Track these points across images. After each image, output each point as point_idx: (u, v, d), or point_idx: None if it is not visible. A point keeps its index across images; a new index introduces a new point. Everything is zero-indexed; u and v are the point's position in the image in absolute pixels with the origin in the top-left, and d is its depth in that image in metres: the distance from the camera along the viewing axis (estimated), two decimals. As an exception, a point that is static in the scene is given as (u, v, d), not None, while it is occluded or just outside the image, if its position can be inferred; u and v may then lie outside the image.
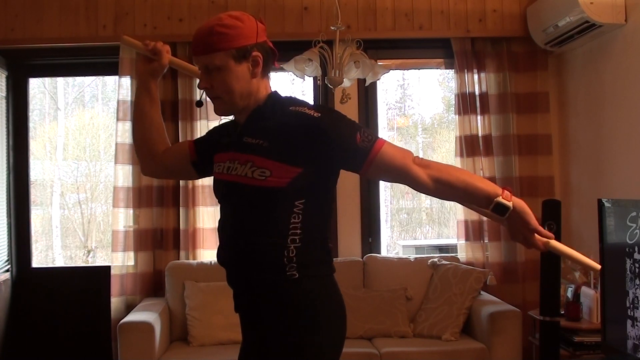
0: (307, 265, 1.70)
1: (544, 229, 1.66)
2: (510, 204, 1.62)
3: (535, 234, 1.65)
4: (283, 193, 1.67)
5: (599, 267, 1.76)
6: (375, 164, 1.65)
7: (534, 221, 1.63)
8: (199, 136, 2.12)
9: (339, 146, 1.65)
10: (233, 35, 1.68)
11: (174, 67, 2.06)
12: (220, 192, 1.81)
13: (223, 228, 1.80)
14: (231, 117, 1.88)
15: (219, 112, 1.78)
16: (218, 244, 1.85)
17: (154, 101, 2.00)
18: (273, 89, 1.83)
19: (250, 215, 1.71)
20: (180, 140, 4.05)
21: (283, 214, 1.68)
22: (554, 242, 1.67)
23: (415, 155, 1.69)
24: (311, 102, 1.78)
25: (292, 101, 1.76)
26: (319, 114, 1.66)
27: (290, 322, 1.68)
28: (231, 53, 1.68)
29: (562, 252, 1.69)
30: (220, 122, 2.01)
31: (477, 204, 1.70)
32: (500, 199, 1.62)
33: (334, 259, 4.40)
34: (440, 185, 1.65)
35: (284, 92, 1.85)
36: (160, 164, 2.02)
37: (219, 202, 1.85)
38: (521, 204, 1.64)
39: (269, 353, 1.70)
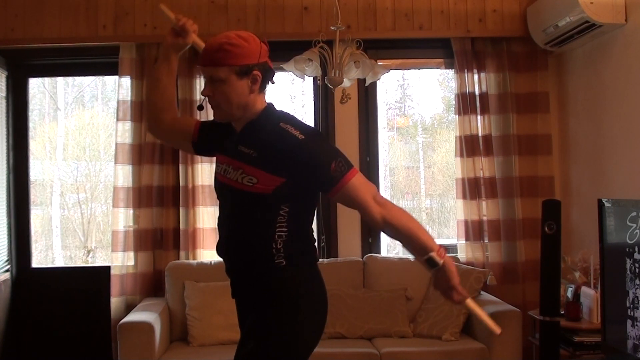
0: (292, 255, 1.95)
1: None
2: (440, 261, 1.88)
3: (455, 291, 1.90)
4: (269, 198, 1.91)
5: (499, 331, 1.98)
6: (341, 193, 1.89)
7: (455, 281, 1.89)
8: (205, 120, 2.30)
9: (314, 170, 1.88)
10: (238, 54, 1.90)
11: (195, 47, 2.16)
12: (219, 190, 2.08)
13: (222, 224, 2.06)
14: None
15: (218, 118, 2.02)
16: (218, 237, 2.10)
17: (172, 72, 2.17)
18: (268, 102, 2.04)
19: (243, 214, 1.97)
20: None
21: (270, 215, 1.93)
22: (469, 301, 1.94)
23: (377, 192, 1.93)
24: (302, 121, 1.99)
25: (283, 117, 1.97)
26: (303, 137, 1.88)
27: (278, 302, 1.93)
28: (234, 69, 1.90)
29: (473, 311, 1.97)
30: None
31: (414, 251, 1.95)
32: (434, 254, 1.88)
33: (335, 259, 4.43)
34: (388, 226, 1.90)
35: (279, 106, 2.04)
36: (163, 130, 2.22)
37: (218, 198, 2.10)
38: (449, 264, 1.89)
39: (260, 328, 1.94)
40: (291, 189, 1.91)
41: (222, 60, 1.88)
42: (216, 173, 2.08)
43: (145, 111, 2.29)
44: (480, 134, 4.32)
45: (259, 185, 1.89)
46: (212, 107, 2.00)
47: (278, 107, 2.05)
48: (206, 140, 2.15)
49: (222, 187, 2.03)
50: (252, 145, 1.93)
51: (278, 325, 1.91)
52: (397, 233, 1.90)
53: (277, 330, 1.91)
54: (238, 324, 2.10)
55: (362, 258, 4.29)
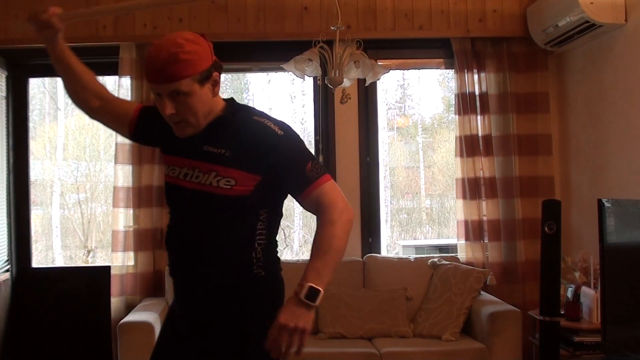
0: (269, 265, 1.84)
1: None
2: (316, 303, 1.65)
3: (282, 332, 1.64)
4: (249, 200, 1.77)
5: None
6: (314, 195, 1.74)
7: (292, 324, 1.64)
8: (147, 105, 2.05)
9: (290, 168, 1.76)
10: (195, 61, 1.70)
11: (76, 20, 2.03)
12: (178, 198, 1.85)
13: (183, 236, 1.84)
14: None
15: (183, 134, 1.79)
16: (170, 254, 1.91)
17: (65, 62, 2.07)
18: (227, 97, 1.90)
19: (219, 221, 1.79)
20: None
21: (251, 220, 1.80)
22: None
23: (344, 205, 1.75)
24: (274, 116, 1.85)
25: (253, 111, 1.85)
26: (282, 133, 1.77)
27: (252, 315, 1.79)
28: (196, 78, 1.71)
29: None
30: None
31: (310, 266, 1.70)
32: (313, 286, 1.64)
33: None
34: (327, 229, 1.71)
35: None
36: (95, 115, 2.05)
37: (172, 208, 1.88)
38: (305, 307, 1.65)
39: (234, 343, 1.79)
40: (266, 188, 1.77)
41: (182, 72, 1.67)
42: (171, 178, 1.85)
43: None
44: (480, 134, 4.32)
45: (238, 187, 1.74)
46: (175, 124, 1.77)
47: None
48: (145, 128, 1.96)
49: (185, 193, 1.80)
50: (223, 144, 1.77)
51: (254, 339, 1.72)
52: (322, 240, 1.71)
53: (254, 346, 1.72)
54: (168, 335, 1.93)
55: (362, 258, 4.29)
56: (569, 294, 3.69)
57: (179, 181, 1.82)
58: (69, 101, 6.39)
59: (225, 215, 1.78)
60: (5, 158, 4.30)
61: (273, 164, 1.75)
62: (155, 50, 1.71)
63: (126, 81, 4.20)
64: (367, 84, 3.87)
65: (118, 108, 2.03)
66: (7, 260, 4.29)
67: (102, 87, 2.05)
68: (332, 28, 3.59)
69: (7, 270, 4.26)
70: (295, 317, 1.64)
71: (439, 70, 5.03)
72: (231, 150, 1.76)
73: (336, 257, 1.71)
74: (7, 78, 4.34)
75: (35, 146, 5.52)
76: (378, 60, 4.06)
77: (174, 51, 1.68)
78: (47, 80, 5.90)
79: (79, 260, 6.03)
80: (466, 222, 4.30)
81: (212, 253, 1.80)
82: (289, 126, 1.82)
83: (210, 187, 1.76)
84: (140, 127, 1.97)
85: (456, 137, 4.35)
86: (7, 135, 4.33)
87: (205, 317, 1.83)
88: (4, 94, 4.32)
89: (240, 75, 6.49)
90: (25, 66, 4.40)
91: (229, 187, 1.74)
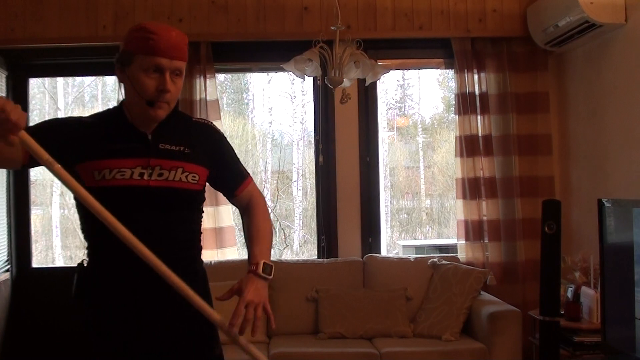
0: (200, 254, 1.95)
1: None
2: (272, 268, 1.81)
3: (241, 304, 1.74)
4: (201, 193, 1.88)
5: None
6: (248, 189, 1.95)
7: (251, 297, 1.75)
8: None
9: (230, 162, 1.93)
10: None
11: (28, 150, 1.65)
12: (137, 200, 1.75)
13: (144, 236, 1.67)
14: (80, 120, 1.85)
15: (159, 117, 1.77)
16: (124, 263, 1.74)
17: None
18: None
19: (184, 217, 1.83)
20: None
21: (199, 212, 1.91)
22: (241, 339, 1.75)
23: (264, 197, 2.01)
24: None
25: (187, 114, 2.00)
26: (220, 132, 1.95)
27: (203, 294, 1.80)
28: (186, 66, 1.82)
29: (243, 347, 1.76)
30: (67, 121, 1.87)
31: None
32: (266, 262, 1.80)
33: (335, 259, 4.44)
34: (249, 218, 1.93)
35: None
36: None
37: (123, 212, 1.67)
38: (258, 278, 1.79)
39: (207, 334, 1.88)
40: (210, 182, 1.90)
41: (186, 55, 1.78)
42: (120, 181, 1.74)
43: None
44: (480, 134, 4.32)
45: (200, 181, 1.83)
46: (161, 104, 1.74)
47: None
48: (55, 149, 1.64)
49: (150, 192, 1.75)
50: (177, 141, 1.80)
51: (215, 334, 1.91)
52: (260, 228, 1.89)
53: (217, 342, 1.94)
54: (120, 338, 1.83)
55: (362, 258, 4.29)
56: (569, 294, 3.69)
57: (136, 182, 1.74)
58: (69, 101, 6.40)
59: (192, 210, 1.86)
60: (5, 158, 4.29)
61: (219, 159, 1.89)
62: (163, 30, 1.74)
63: (126, 81, 4.19)
64: (367, 84, 3.87)
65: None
66: (7, 260, 4.29)
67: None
68: (332, 28, 3.59)
69: (7, 270, 4.26)
70: (259, 293, 1.76)
71: (439, 70, 5.04)
72: (189, 147, 1.82)
73: (271, 240, 1.95)
74: (7, 78, 4.34)
75: (35, 146, 5.53)
76: (378, 60, 4.06)
77: (182, 34, 1.77)
78: (47, 80, 5.91)
79: (79, 260, 6.04)
80: (466, 222, 4.30)
81: (180, 249, 1.82)
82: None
83: (180, 182, 1.78)
84: (33, 160, 1.67)
85: (456, 137, 4.35)
86: (7, 135, 4.32)
87: (175, 322, 1.80)
88: (4, 94, 4.32)
89: (240, 75, 6.50)
90: (25, 66, 4.40)
91: (195, 181, 1.81)
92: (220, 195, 2.30)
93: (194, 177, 1.81)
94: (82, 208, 1.74)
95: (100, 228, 1.64)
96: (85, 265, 1.85)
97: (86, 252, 1.85)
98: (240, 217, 2.01)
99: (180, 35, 1.75)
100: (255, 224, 1.90)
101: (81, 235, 1.89)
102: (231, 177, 1.94)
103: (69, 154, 1.72)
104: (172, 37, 1.73)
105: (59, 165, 1.59)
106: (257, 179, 6.26)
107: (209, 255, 4.17)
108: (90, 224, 1.78)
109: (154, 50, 1.71)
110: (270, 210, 2.01)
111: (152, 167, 1.76)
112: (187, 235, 1.86)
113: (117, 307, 1.80)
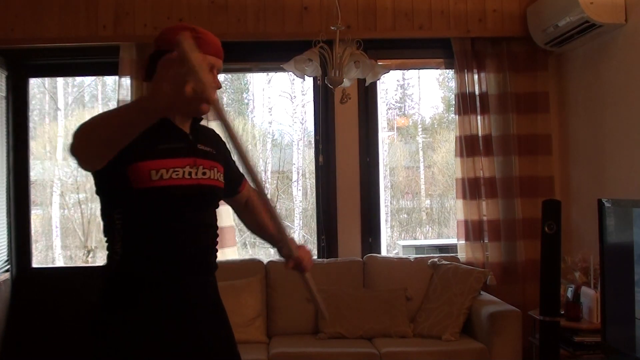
0: None
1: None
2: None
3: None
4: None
5: (327, 316, 2.04)
6: (247, 188, 2.07)
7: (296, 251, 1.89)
8: None
9: (234, 163, 2.00)
10: None
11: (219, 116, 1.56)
12: (183, 196, 1.76)
13: (191, 235, 1.77)
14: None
15: (206, 112, 1.68)
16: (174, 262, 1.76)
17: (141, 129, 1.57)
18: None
19: (214, 213, 1.92)
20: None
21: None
22: (308, 275, 1.93)
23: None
24: None
25: None
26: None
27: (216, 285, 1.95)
28: None
29: (309, 286, 1.92)
30: None
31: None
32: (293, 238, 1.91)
33: (335, 259, 4.43)
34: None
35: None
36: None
37: (173, 212, 1.74)
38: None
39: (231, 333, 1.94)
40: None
41: None
42: (176, 180, 1.74)
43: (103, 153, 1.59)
44: (480, 134, 4.32)
45: (224, 181, 1.93)
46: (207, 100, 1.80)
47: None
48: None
49: (200, 191, 1.80)
50: (207, 142, 1.89)
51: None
52: (272, 215, 1.85)
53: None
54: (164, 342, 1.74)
55: (362, 258, 4.29)
56: (569, 294, 3.69)
57: (188, 181, 1.77)
58: (69, 101, 6.40)
59: (216, 208, 1.93)
60: (5, 158, 4.30)
61: (228, 159, 1.98)
62: (207, 33, 1.82)
63: (126, 81, 4.20)
64: (367, 84, 3.87)
65: None
66: (7, 260, 4.29)
67: None
68: (332, 28, 3.59)
69: (7, 270, 4.26)
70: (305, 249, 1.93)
71: (439, 70, 5.04)
72: (214, 148, 1.90)
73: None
74: (7, 78, 4.34)
75: (35, 146, 5.53)
76: (378, 60, 4.05)
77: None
78: (47, 80, 5.91)
79: (79, 260, 6.04)
80: (466, 222, 4.30)
81: (215, 243, 1.90)
82: None
83: (217, 181, 1.87)
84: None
85: (456, 137, 4.35)
86: (7, 135, 4.33)
87: (209, 318, 1.85)
88: (4, 94, 4.32)
89: (240, 75, 6.50)
90: (25, 66, 4.40)
91: (222, 181, 1.90)
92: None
93: (221, 176, 1.90)
94: (127, 208, 1.73)
95: (153, 228, 1.72)
96: (118, 270, 1.75)
97: (116, 256, 1.76)
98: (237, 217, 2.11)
99: (213, 36, 1.85)
100: (260, 212, 2.05)
101: (104, 238, 1.81)
102: (236, 177, 2.03)
103: (120, 155, 1.60)
104: (214, 37, 1.83)
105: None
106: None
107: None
108: (137, 224, 1.74)
109: (204, 49, 1.72)
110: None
111: (197, 167, 1.81)
112: (217, 231, 1.93)
113: (165, 310, 1.75)
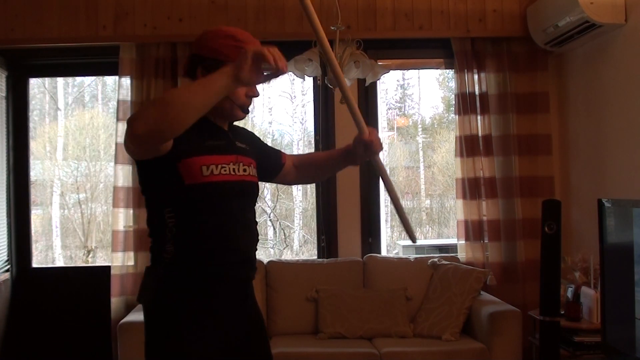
0: None
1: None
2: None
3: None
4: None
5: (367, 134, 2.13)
6: (287, 156, 2.18)
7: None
8: None
9: (268, 148, 2.15)
10: None
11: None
12: (231, 192, 1.82)
13: (240, 230, 1.84)
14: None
15: (242, 118, 1.95)
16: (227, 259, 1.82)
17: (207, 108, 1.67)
18: None
19: (254, 208, 1.99)
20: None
21: None
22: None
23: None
24: None
25: None
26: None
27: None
28: None
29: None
30: None
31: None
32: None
33: (335, 259, 4.43)
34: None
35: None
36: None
37: (221, 207, 1.79)
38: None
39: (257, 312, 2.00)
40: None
41: None
42: (224, 176, 1.79)
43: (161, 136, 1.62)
44: (480, 134, 4.32)
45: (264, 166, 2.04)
46: (248, 104, 1.91)
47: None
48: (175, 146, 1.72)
49: (238, 186, 1.84)
50: (242, 139, 1.97)
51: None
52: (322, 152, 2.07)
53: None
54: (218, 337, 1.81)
55: (362, 258, 4.29)
56: (569, 294, 3.69)
57: (234, 177, 1.83)
58: (69, 101, 6.40)
59: (254, 204, 2.00)
60: (5, 158, 4.30)
61: (260, 147, 2.06)
62: (248, 37, 1.90)
63: (126, 81, 4.20)
64: (367, 84, 3.87)
65: None
66: (7, 260, 4.30)
67: None
68: (332, 28, 3.59)
69: (7, 270, 4.26)
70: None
71: (439, 70, 5.04)
72: (249, 145, 1.97)
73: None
74: (7, 78, 4.34)
75: (35, 146, 5.53)
76: (378, 60, 4.06)
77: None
78: (47, 80, 5.91)
79: (79, 260, 6.04)
80: (466, 222, 4.30)
81: (257, 243, 1.96)
82: None
83: (254, 177, 1.93)
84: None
85: (456, 137, 4.35)
86: (7, 135, 4.33)
87: (255, 311, 1.97)
88: (4, 94, 4.32)
89: (240, 75, 6.49)
90: (25, 66, 4.40)
91: (257, 176, 1.96)
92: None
93: (256, 172, 1.95)
94: (179, 206, 1.78)
95: (206, 225, 1.76)
96: (170, 269, 1.78)
97: (167, 254, 1.78)
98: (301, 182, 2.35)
99: None
100: (312, 157, 2.27)
101: (151, 238, 1.86)
102: (274, 155, 2.12)
103: (173, 150, 1.71)
104: (251, 36, 1.90)
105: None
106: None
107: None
108: (190, 221, 1.77)
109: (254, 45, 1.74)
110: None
111: (238, 163, 1.87)
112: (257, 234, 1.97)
113: (225, 303, 1.83)
